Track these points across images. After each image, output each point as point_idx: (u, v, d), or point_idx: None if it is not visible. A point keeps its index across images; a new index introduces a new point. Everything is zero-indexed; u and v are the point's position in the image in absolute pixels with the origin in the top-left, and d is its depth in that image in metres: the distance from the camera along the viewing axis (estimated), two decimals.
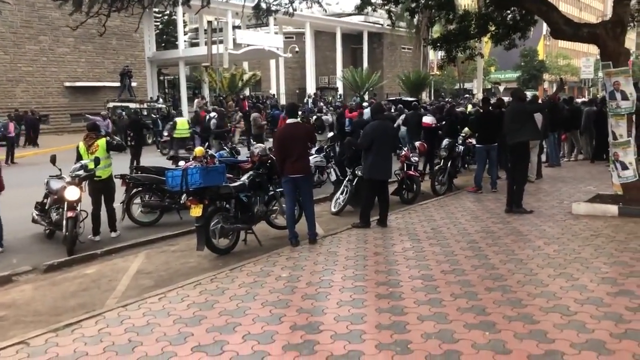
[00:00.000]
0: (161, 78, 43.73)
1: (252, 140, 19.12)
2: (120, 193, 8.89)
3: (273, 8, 11.28)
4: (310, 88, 44.63)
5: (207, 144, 14.12)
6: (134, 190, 9.13)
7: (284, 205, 7.76)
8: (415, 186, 10.41)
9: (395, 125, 14.01)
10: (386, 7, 12.51)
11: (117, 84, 31.15)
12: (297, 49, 43.07)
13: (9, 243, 8.00)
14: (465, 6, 21.77)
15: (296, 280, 5.67)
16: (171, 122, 19.98)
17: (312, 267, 6.15)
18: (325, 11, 16.37)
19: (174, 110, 32.83)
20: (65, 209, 7.48)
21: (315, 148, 12.21)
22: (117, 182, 8.75)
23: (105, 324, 4.69)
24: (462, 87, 50.39)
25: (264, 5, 10.97)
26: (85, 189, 8.05)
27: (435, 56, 44.68)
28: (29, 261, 7.20)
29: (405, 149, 10.94)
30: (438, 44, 11.87)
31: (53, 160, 8.43)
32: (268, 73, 44.59)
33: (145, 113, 25.18)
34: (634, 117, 8.61)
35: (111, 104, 27.56)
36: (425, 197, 10.57)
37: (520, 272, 5.69)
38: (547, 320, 4.40)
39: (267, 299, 5.14)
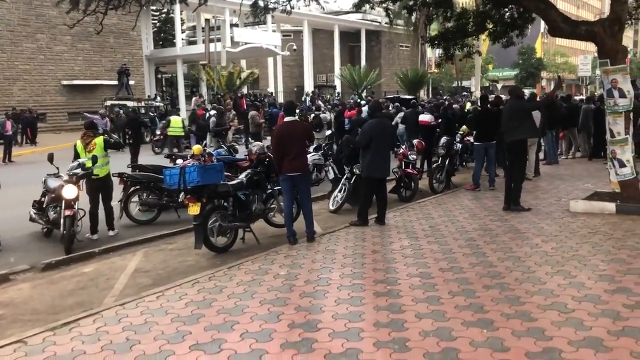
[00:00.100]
0: (159, 76, 43.60)
1: (250, 139, 19.10)
2: (118, 191, 8.88)
3: (270, 6, 11.24)
4: (308, 86, 44.56)
5: (204, 142, 14.10)
6: (132, 189, 9.11)
7: (281, 204, 7.76)
8: (413, 184, 10.43)
9: (393, 123, 14.00)
10: (384, 5, 12.52)
11: (115, 82, 31.12)
12: (294, 47, 43.04)
13: (7, 242, 7.99)
14: (463, 4, 21.74)
15: (294, 279, 5.67)
16: (164, 121, 19.95)
17: (310, 265, 6.15)
18: (323, 9, 16.30)
19: (172, 108, 32.79)
20: (63, 207, 7.48)
21: (314, 146, 12.20)
22: (115, 180, 8.74)
23: (103, 322, 4.69)
24: (460, 84, 50.34)
25: (261, 3, 10.94)
26: (83, 187, 8.05)
27: (433, 54, 44.60)
28: (26, 260, 7.19)
29: (403, 146, 10.94)
30: (436, 42, 11.85)
31: (50, 158, 8.41)
32: (266, 71, 44.53)
33: (143, 111, 25.12)
34: (631, 114, 8.63)
35: (109, 102, 27.54)
36: (423, 195, 10.58)
37: (518, 269, 5.70)
38: (545, 317, 4.41)
39: (265, 297, 5.14)
